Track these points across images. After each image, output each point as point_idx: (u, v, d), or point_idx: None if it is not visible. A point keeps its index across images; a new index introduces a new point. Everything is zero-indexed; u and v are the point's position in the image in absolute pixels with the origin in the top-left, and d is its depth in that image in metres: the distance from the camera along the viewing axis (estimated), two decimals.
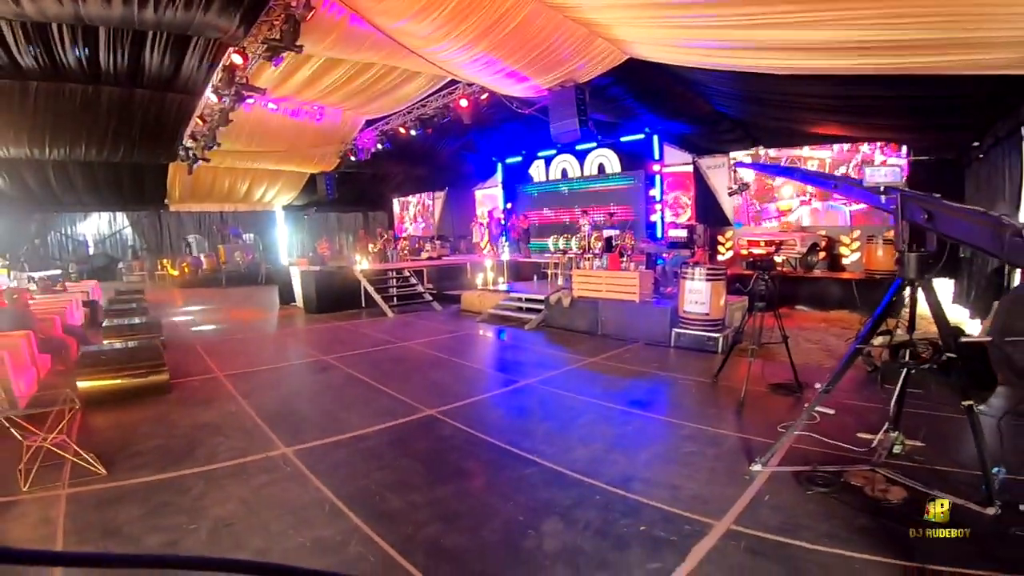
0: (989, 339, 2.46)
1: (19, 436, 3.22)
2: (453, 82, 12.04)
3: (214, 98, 9.52)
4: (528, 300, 9.51)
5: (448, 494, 3.02)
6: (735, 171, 7.05)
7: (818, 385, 3.83)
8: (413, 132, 12.83)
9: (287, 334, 8.89)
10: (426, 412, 4.52)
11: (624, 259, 7.95)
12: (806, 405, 3.49)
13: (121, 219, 19.01)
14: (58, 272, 17.07)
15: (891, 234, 7.92)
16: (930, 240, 2.92)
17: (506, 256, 12.66)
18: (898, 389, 3.18)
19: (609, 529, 2.62)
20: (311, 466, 3.39)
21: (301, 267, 11.47)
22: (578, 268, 8.64)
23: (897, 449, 3.25)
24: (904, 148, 8.97)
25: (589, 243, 10.47)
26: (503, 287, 11.12)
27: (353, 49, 8.56)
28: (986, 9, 3.90)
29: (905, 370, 3.08)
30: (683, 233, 8.99)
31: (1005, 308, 2.29)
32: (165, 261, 18.17)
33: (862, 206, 9.19)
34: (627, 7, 5.90)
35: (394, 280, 11.56)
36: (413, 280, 11.70)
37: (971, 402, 2.81)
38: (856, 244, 9.10)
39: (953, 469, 3.08)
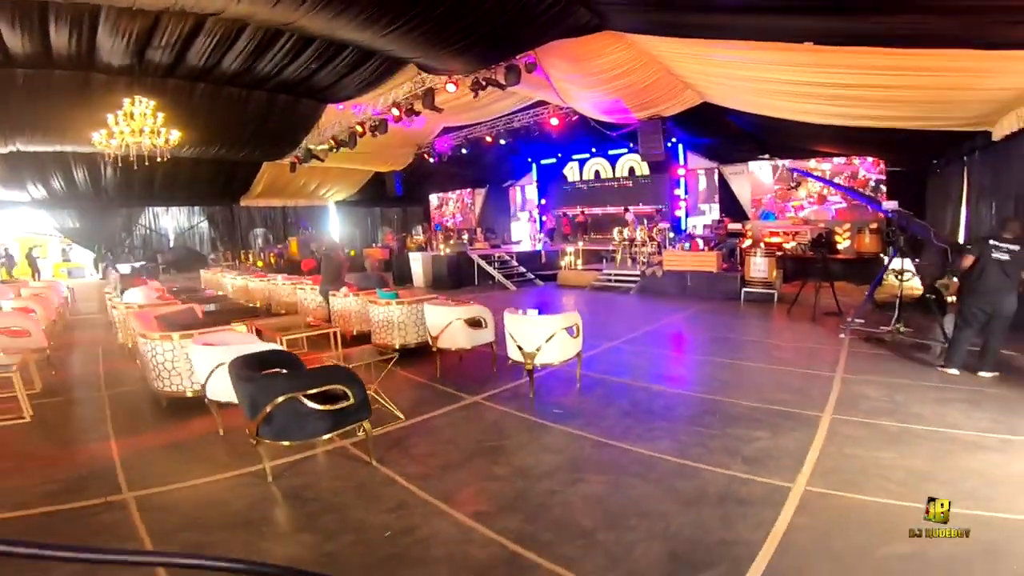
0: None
1: None
2: (540, 101, 15.16)
3: (396, 111, 12.14)
4: (617, 275, 12.99)
5: (724, 348, 6.49)
6: (792, 172, 10.63)
7: (852, 311, 7.51)
8: (502, 141, 15.89)
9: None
10: (647, 328, 7.91)
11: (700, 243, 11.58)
12: (864, 297, 7.23)
13: (198, 213, 21.02)
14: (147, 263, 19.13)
15: (874, 226, 11.98)
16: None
17: (577, 246, 15.98)
18: (899, 298, 6.86)
19: (800, 351, 6.18)
20: (644, 344, 6.76)
21: (429, 252, 14.48)
22: (666, 250, 12.20)
23: (902, 330, 6.96)
24: (882, 163, 12.97)
25: (651, 234, 14.13)
26: (579, 267, 14.52)
27: (519, 85, 11.50)
28: (938, 102, 7.56)
29: (899, 283, 6.79)
30: (739, 226, 12.72)
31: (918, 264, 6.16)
32: (251, 253, 20.37)
33: (843, 205, 13.54)
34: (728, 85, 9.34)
35: (496, 263, 14.71)
36: (513, 262, 14.92)
37: (930, 295, 6.58)
38: (847, 234, 13.03)
39: (928, 339, 6.75)
